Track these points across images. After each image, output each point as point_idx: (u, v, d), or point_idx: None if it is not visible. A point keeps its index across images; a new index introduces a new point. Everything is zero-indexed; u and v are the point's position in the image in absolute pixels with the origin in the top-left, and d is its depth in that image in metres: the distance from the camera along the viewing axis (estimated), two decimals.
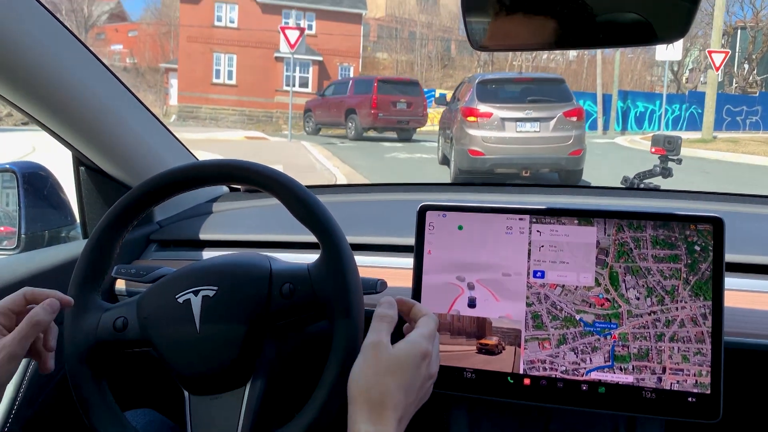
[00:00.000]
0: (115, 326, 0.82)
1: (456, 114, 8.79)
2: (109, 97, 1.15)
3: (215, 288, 0.81)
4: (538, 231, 0.93)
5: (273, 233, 1.26)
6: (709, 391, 0.85)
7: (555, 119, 8.11)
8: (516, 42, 0.75)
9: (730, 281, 0.93)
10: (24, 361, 1.07)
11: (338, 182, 8.64)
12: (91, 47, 1.09)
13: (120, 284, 1.22)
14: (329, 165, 10.71)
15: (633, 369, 0.88)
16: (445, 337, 0.94)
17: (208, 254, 1.25)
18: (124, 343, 0.82)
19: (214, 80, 26.25)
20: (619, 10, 0.69)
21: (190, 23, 25.81)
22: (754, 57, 25.90)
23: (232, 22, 26.41)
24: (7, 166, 1.30)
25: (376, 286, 0.89)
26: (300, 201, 0.80)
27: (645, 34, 0.69)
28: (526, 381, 0.91)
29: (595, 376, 0.89)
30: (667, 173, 2.21)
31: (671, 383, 0.87)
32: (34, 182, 1.31)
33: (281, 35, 16.69)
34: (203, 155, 1.26)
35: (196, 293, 0.81)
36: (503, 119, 8.17)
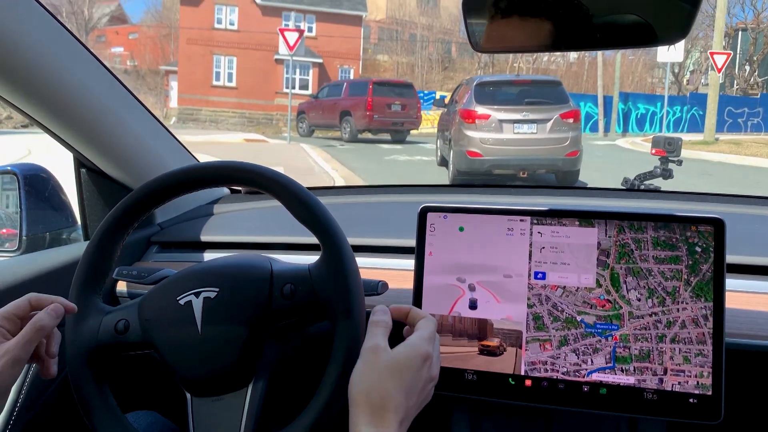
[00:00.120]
0: (117, 329, 0.82)
1: (454, 116, 8.82)
2: (110, 99, 1.15)
3: (216, 289, 0.81)
4: (539, 232, 0.93)
5: (274, 235, 1.26)
6: (710, 392, 0.85)
7: (552, 121, 8.14)
8: (517, 44, 0.75)
9: (731, 282, 0.93)
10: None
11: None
12: (92, 49, 1.09)
13: (121, 286, 1.22)
14: (328, 168, 10.70)
15: (634, 370, 0.88)
16: (446, 339, 0.94)
17: (209, 256, 1.25)
18: (126, 346, 0.82)
19: (214, 82, 26.24)
20: (620, 11, 0.69)
21: (190, 25, 25.82)
22: (755, 59, 25.92)
23: (232, 24, 26.40)
24: (8, 168, 1.30)
25: (377, 288, 0.89)
26: (301, 202, 0.80)
27: (646, 36, 0.69)
28: (528, 382, 0.91)
29: (596, 377, 0.89)
30: (667, 174, 2.21)
31: (672, 384, 0.87)
32: (35, 184, 1.31)
33: (280, 37, 16.72)
34: (203, 158, 1.26)
35: (197, 295, 0.81)
36: (501, 121, 8.20)
